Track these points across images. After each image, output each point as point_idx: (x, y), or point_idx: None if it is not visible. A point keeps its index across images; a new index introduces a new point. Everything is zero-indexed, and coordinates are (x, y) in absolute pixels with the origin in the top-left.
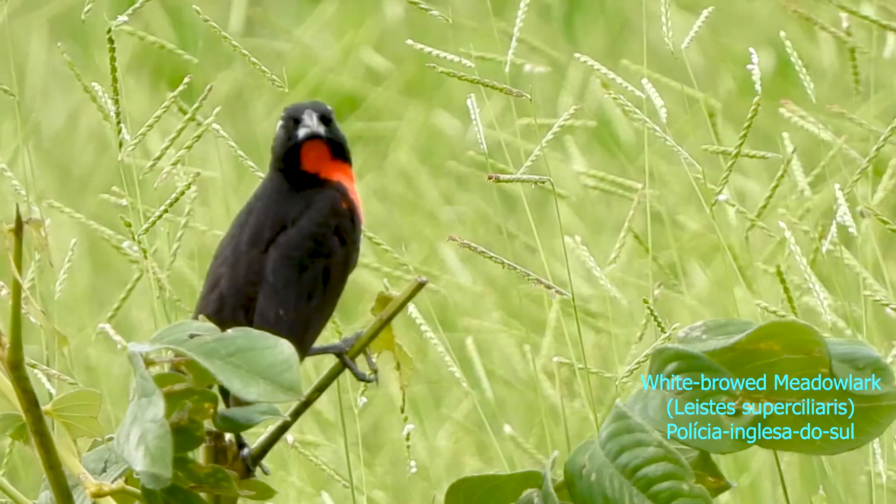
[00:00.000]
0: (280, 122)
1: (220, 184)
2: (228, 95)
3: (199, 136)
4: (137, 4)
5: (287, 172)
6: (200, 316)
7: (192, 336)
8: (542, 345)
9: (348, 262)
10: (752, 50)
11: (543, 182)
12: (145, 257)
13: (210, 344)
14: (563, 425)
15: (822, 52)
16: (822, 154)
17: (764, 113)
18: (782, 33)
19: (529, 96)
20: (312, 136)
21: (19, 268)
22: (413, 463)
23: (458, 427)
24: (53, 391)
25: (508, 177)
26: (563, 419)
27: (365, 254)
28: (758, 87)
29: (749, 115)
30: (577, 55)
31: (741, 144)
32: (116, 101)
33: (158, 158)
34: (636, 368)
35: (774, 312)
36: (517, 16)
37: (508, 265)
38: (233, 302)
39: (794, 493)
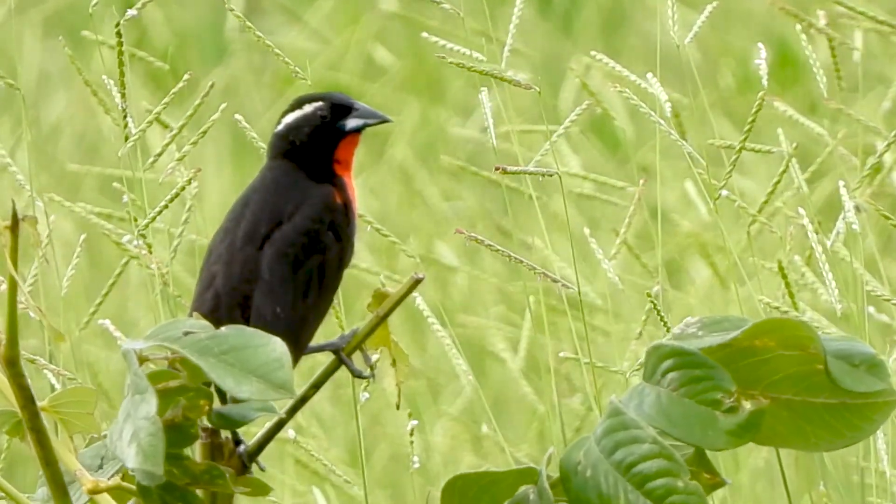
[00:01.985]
0: (314, 109)
1: (216, 181)
2: (228, 91)
3: (205, 132)
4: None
5: (306, 159)
6: (195, 314)
7: (186, 333)
8: (535, 341)
9: (343, 258)
10: (760, 45)
11: (551, 175)
12: (150, 251)
13: (203, 341)
14: (549, 422)
15: (819, 49)
16: (818, 150)
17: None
18: (798, 26)
19: (538, 88)
20: (363, 127)
21: (15, 264)
22: (416, 459)
23: (455, 423)
24: (58, 386)
25: (515, 168)
26: (549, 417)
27: (362, 250)
28: (765, 81)
29: (753, 110)
30: (593, 53)
31: (745, 139)
32: (124, 95)
33: (159, 155)
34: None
35: (777, 309)
36: (512, 13)
37: (515, 258)
38: (228, 300)
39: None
